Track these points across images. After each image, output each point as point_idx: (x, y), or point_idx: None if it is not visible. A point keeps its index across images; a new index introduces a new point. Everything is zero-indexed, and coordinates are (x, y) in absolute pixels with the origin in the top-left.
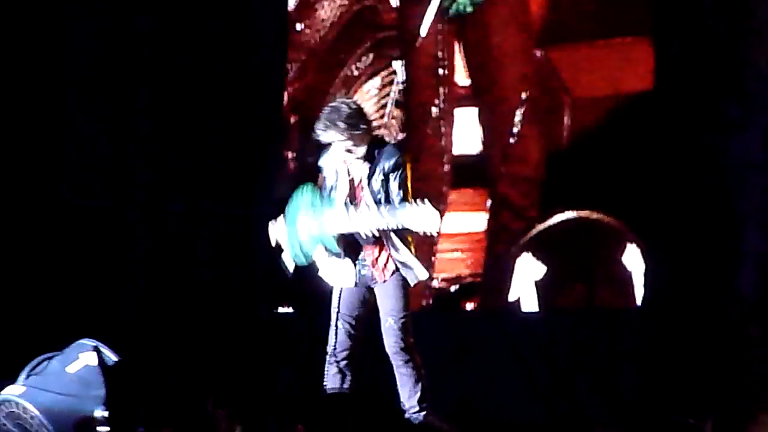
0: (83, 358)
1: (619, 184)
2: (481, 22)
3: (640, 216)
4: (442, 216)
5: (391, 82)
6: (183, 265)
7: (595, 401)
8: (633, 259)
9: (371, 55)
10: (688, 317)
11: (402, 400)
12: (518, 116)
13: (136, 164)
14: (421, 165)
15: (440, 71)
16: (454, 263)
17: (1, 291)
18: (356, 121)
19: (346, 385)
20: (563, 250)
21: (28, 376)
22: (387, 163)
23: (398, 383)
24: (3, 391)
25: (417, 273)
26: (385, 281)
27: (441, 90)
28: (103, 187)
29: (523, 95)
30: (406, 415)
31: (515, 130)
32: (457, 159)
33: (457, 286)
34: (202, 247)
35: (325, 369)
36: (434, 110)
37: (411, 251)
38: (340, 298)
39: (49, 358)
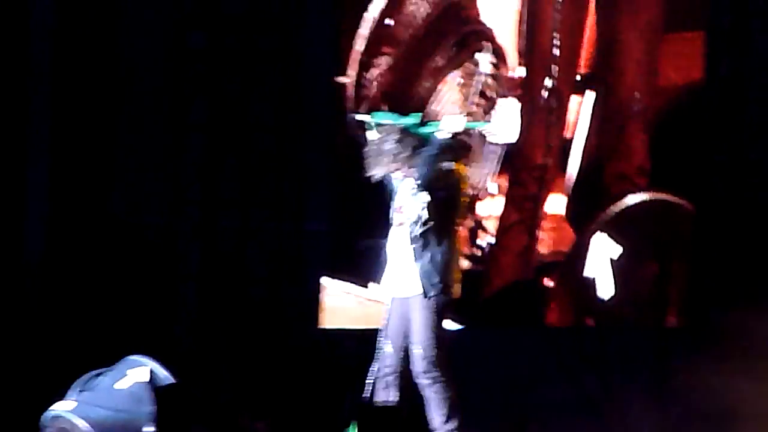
0: (133, 375)
1: (689, 169)
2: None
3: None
4: (543, 203)
5: (474, 73)
6: (235, 281)
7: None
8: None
9: (456, 48)
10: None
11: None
12: (635, 108)
13: (188, 180)
14: (524, 149)
15: (554, 66)
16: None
17: (53, 307)
18: None
19: (394, 399)
20: (638, 230)
21: (79, 391)
22: None
23: (425, 403)
24: (54, 407)
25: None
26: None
27: (553, 80)
28: (155, 203)
29: (640, 84)
30: None
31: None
32: None
33: (537, 265)
34: (254, 263)
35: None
36: (542, 102)
37: (437, 264)
38: (388, 318)
39: (100, 374)
